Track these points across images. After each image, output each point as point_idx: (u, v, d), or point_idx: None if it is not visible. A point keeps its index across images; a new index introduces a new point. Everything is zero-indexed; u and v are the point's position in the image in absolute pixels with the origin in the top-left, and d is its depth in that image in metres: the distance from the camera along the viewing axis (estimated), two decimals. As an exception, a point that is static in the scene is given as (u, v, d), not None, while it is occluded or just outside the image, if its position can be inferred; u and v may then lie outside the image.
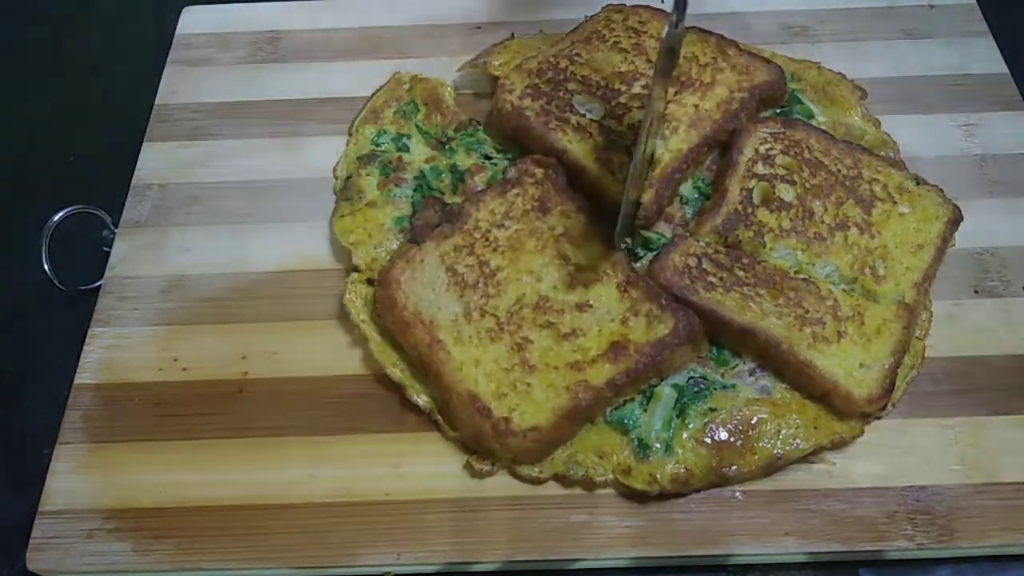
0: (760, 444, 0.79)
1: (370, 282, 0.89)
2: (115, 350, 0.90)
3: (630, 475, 0.78)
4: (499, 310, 0.84)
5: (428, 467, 0.82)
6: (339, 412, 0.85)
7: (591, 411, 0.79)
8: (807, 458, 0.80)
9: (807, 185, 0.91)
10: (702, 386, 0.82)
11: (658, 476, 0.78)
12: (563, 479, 0.79)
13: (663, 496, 0.79)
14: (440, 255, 0.87)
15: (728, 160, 0.94)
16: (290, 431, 0.84)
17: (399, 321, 0.83)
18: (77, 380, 0.88)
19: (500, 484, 0.80)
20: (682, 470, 0.78)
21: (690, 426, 0.80)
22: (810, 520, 0.78)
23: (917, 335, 0.87)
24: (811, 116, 1.00)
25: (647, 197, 0.91)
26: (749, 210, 0.90)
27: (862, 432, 0.81)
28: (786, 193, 0.91)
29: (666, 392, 0.81)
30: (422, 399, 0.83)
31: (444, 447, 0.83)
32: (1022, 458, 0.81)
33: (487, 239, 0.88)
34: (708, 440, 0.79)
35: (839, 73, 1.04)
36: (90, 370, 0.89)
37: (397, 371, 0.84)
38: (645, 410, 0.81)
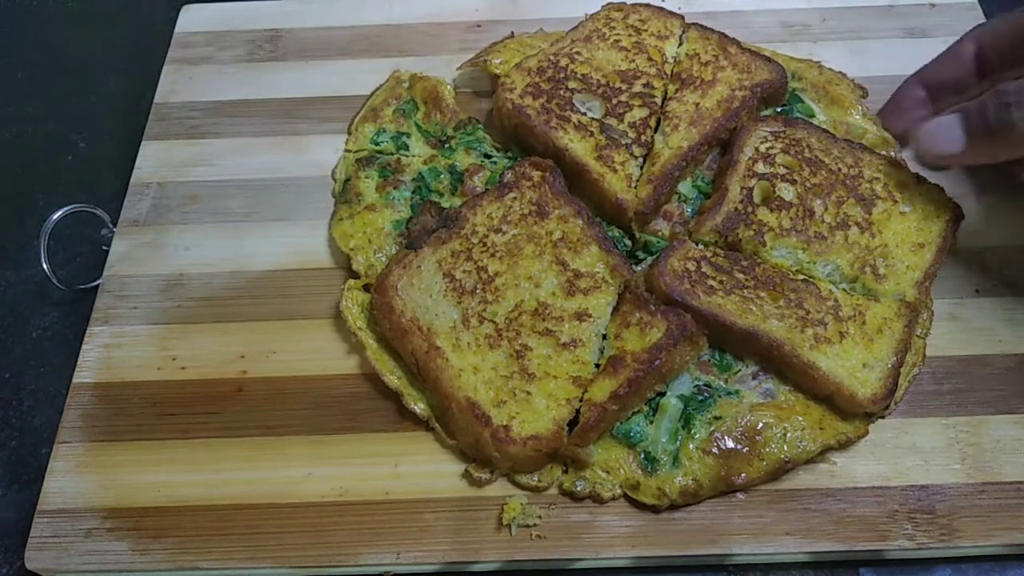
0: (767, 449, 0.79)
1: (366, 288, 0.89)
2: (114, 349, 0.90)
3: (639, 490, 0.78)
4: (497, 316, 0.84)
5: (427, 467, 0.82)
6: (338, 411, 0.85)
7: (599, 427, 0.78)
8: (812, 459, 0.80)
9: (808, 184, 0.91)
10: (706, 395, 0.82)
11: (667, 490, 0.77)
12: (571, 495, 0.79)
13: (672, 508, 0.79)
14: (437, 261, 0.87)
15: (728, 159, 0.94)
16: (289, 430, 0.84)
17: (396, 328, 0.83)
18: (76, 379, 0.88)
19: (499, 483, 0.80)
20: (691, 482, 0.78)
21: (696, 436, 0.79)
22: (811, 520, 0.78)
23: (918, 334, 0.86)
24: (812, 115, 1.00)
25: (645, 193, 0.90)
26: (749, 209, 0.90)
27: (867, 432, 0.81)
28: (786, 192, 0.91)
29: (672, 403, 0.81)
30: (420, 407, 0.82)
31: (443, 447, 0.83)
32: (1022, 457, 0.81)
33: (485, 244, 0.88)
34: (715, 450, 0.79)
35: (840, 72, 1.04)
36: (89, 369, 0.88)
37: (394, 378, 0.84)
38: (651, 422, 0.81)
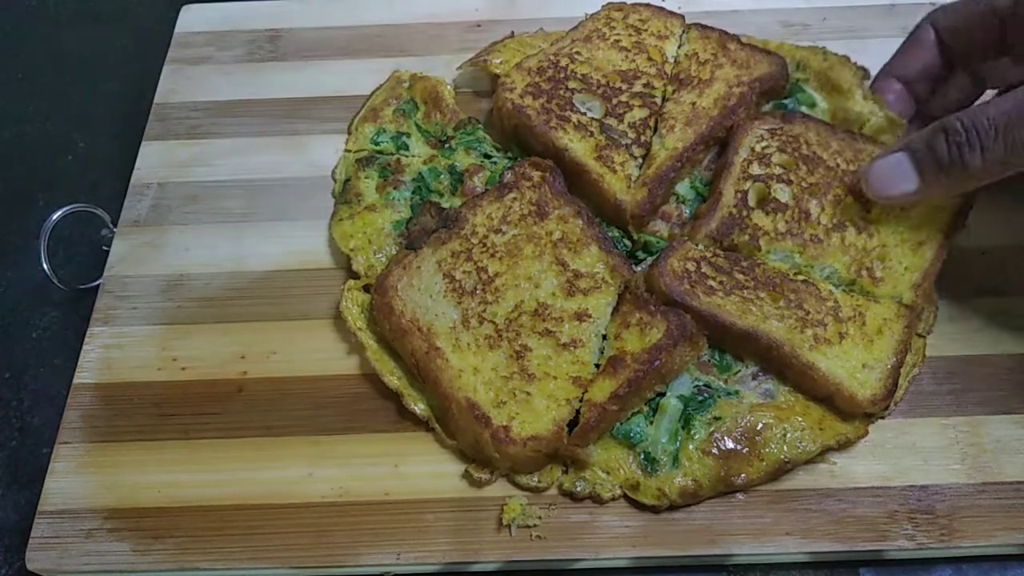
0: (767, 450, 0.79)
1: (367, 289, 0.89)
2: (114, 349, 0.90)
3: (639, 490, 0.78)
4: (497, 317, 0.84)
5: (427, 467, 0.82)
6: (338, 412, 0.85)
7: (599, 428, 0.78)
8: (811, 459, 0.80)
9: (804, 184, 0.91)
10: (706, 395, 0.82)
11: (667, 490, 0.77)
12: (571, 495, 0.79)
13: (672, 508, 0.79)
14: (437, 261, 0.87)
15: (724, 160, 0.93)
16: (289, 431, 0.84)
17: (396, 328, 0.83)
18: (76, 379, 0.88)
19: (499, 484, 0.80)
20: (690, 483, 0.78)
21: (696, 437, 0.79)
22: (811, 520, 0.78)
23: (920, 332, 0.86)
24: (813, 104, 0.99)
25: (640, 196, 0.90)
26: (744, 213, 0.89)
27: (866, 432, 0.81)
28: (782, 193, 0.90)
29: (672, 404, 0.81)
30: (420, 407, 0.82)
31: (443, 447, 0.83)
32: (1022, 457, 0.81)
33: (484, 245, 0.88)
34: (715, 450, 0.79)
35: (843, 56, 1.01)
36: (89, 369, 0.88)
37: (394, 379, 0.84)
38: (651, 423, 0.81)
